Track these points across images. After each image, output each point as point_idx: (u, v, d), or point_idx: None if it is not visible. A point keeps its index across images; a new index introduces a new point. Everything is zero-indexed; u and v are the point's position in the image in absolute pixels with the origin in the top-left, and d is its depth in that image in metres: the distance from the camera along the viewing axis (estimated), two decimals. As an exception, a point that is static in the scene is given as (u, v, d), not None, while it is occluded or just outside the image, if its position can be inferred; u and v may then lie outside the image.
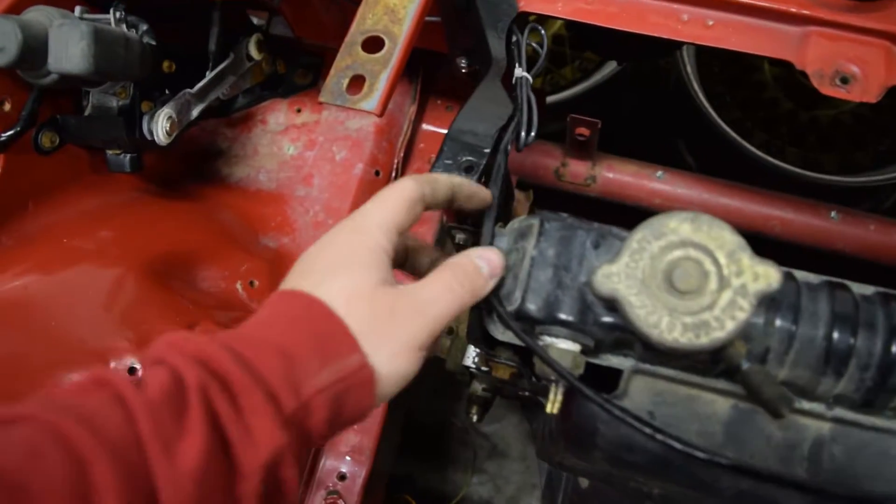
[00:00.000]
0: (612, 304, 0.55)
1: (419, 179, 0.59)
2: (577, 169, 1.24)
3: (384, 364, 0.52)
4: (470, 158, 0.68)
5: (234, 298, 1.10)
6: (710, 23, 0.82)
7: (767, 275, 0.52)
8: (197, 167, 1.22)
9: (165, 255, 1.04)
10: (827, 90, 0.77)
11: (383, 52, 0.75)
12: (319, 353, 0.50)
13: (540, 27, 0.83)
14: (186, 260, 1.07)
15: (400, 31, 0.76)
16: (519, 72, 0.79)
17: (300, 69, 1.25)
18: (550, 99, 1.71)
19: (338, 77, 0.74)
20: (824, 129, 1.70)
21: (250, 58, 1.14)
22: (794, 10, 0.79)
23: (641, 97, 1.81)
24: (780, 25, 0.81)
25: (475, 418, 1.03)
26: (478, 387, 0.98)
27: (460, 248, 0.77)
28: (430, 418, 1.83)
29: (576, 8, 0.84)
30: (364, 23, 0.77)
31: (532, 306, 0.59)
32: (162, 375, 0.47)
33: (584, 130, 1.13)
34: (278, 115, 1.24)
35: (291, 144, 1.21)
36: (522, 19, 0.84)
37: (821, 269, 1.29)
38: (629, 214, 1.31)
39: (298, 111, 1.24)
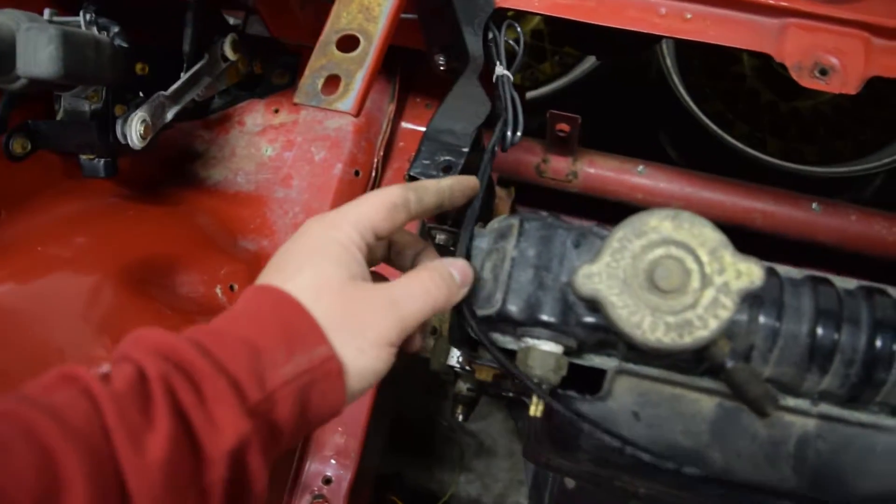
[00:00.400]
0: (593, 305, 0.54)
1: (407, 186, 0.59)
2: (559, 165, 1.23)
3: (352, 358, 0.52)
4: (448, 158, 0.67)
5: (214, 303, 1.08)
6: (688, 16, 0.81)
7: (750, 272, 0.51)
8: (174, 170, 1.20)
9: (143, 261, 1.03)
10: (806, 82, 0.77)
11: (358, 51, 0.74)
12: (286, 345, 0.50)
13: (516, 24, 0.82)
14: (164, 265, 1.05)
15: (375, 30, 0.75)
16: (500, 70, 0.78)
17: (277, 69, 1.24)
18: (530, 94, 1.70)
19: (312, 77, 0.73)
20: (805, 120, 1.71)
21: (226, 58, 1.12)
22: (772, 1, 0.79)
23: (622, 91, 1.81)
24: (758, 17, 0.80)
25: (461, 417, 1.03)
26: (463, 386, 0.98)
27: (441, 248, 0.76)
28: (416, 416, 1.83)
29: (553, 3, 0.83)
30: (338, 21, 0.76)
31: (513, 308, 0.58)
32: (126, 369, 0.47)
33: (564, 126, 1.12)
34: (256, 116, 1.23)
35: (269, 145, 1.20)
36: (500, 15, 0.83)
37: (804, 260, 1.29)
38: (612, 208, 1.31)
39: (276, 111, 1.23)
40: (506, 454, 1.83)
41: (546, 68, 1.81)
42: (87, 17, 0.90)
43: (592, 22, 0.81)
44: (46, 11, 0.90)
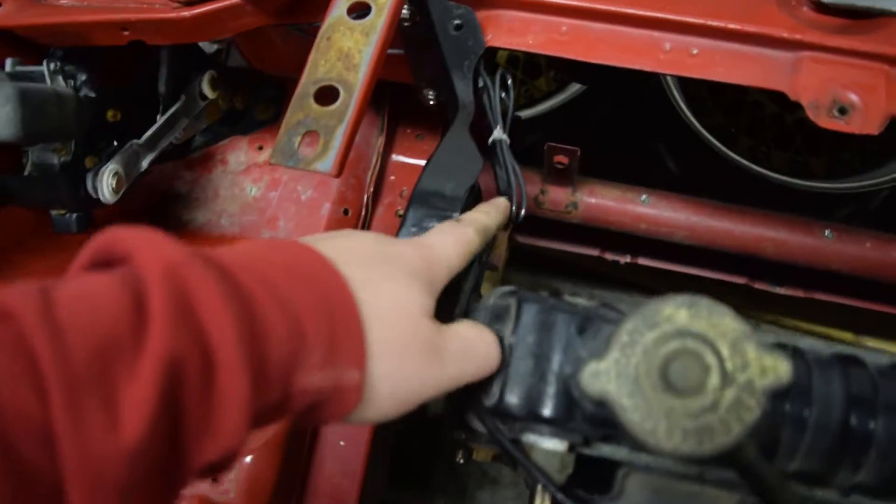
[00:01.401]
0: (601, 404, 0.48)
1: (475, 228, 0.59)
2: (557, 196, 1.18)
3: (375, 398, 0.46)
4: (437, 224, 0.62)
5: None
6: (695, 51, 0.76)
7: (776, 367, 0.46)
8: (155, 214, 1.14)
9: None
10: (824, 122, 0.71)
11: (338, 103, 0.68)
12: (328, 349, 0.44)
13: (509, 76, 0.76)
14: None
15: (356, 80, 0.69)
16: (497, 132, 0.72)
17: (260, 103, 1.18)
18: (526, 113, 1.64)
19: (289, 135, 0.67)
20: (810, 132, 1.65)
21: (204, 96, 1.06)
22: (784, 34, 0.73)
23: (620, 105, 1.75)
24: (769, 51, 0.75)
25: (461, 461, 0.97)
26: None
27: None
28: (417, 446, 1.77)
29: (548, 39, 0.78)
30: (316, 71, 0.70)
31: (512, 402, 0.52)
32: (112, 298, 0.37)
33: (562, 158, 1.06)
34: (239, 154, 1.17)
35: (254, 185, 1.14)
36: (491, 56, 0.78)
37: (815, 284, 1.24)
38: (616, 234, 1.26)
39: (260, 148, 1.17)
40: (511, 483, 1.78)
41: (541, 84, 1.75)
42: (52, 66, 0.84)
43: (593, 61, 0.76)
44: (8, 62, 0.84)
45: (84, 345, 0.34)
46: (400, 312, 0.47)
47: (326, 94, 0.69)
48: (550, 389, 0.51)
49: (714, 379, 0.46)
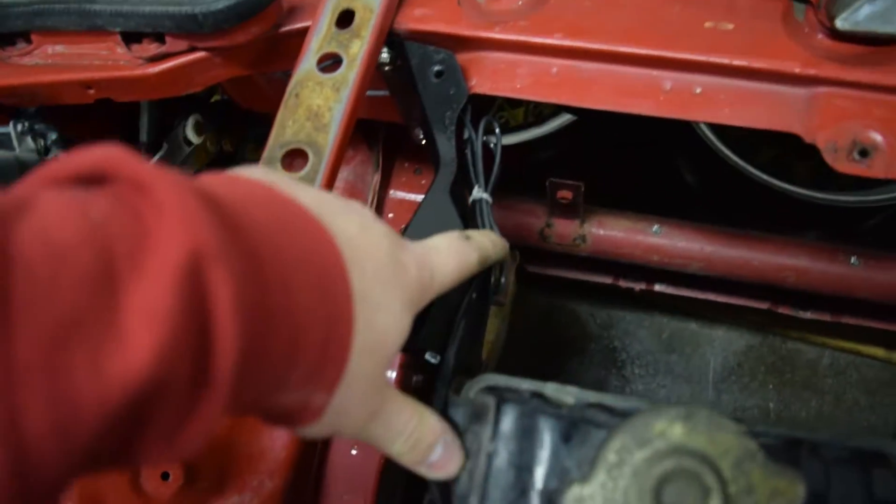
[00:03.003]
0: (590, 532, 0.43)
1: (476, 247, 0.55)
2: (565, 229, 1.12)
3: (324, 421, 0.43)
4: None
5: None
6: (698, 90, 0.69)
7: (789, 490, 0.40)
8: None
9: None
10: (843, 167, 0.64)
11: (307, 169, 0.63)
12: (310, 372, 0.40)
13: (495, 122, 0.70)
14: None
15: (326, 141, 0.64)
16: (477, 192, 0.66)
17: (251, 144, 1.13)
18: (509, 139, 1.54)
19: (255, 205, 0.62)
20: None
21: (189, 142, 1.02)
22: (796, 69, 0.66)
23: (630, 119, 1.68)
24: (781, 88, 0.68)
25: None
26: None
27: (417, 392, 0.65)
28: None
29: (537, 83, 0.72)
30: (284, 133, 0.65)
31: (492, 519, 0.47)
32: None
33: (566, 194, 1.00)
34: (230, 197, 1.12)
35: (245, 230, 1.09)
36: (476, 105, 0.72)
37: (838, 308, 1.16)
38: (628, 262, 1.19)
39: (251, 190, 1.12)
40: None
41: (518, 115, 1.63)
42: (20, 127, 0.80)
43: (587, 107, 0.70)
44: (-29, 126, 0.81)
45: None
46: (383, 348, 0.45)
47: (295, 158, 0.65)
48: (533, 506, 0.46)
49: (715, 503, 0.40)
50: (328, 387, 0.41)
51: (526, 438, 0.47)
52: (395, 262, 0.46)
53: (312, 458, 1.00)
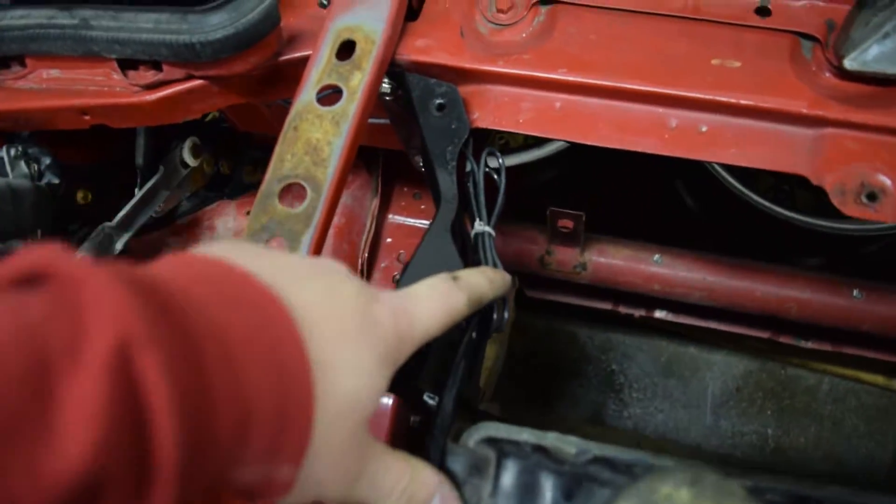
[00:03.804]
0: None
1: (468, 289, 0.53)
2: (565, 256, 1.10)
3: (297, 491, 0.42)
4: (412, 349, 0.55)
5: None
6: (704, 128, 0.68)
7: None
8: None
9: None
10: (851, 210, 0.63)
11: (305, 205, 0.62)
12: (267, 447, 0.39)
13: (498, 154, 0.69)
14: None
15: (325, 176, 0.63)
16: (479, 226, 0.65)
17: (247, 165, 1.12)
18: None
19: (252, 242, 0.61)
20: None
21: (186, 164, 1.01)
22: (803, 110, 0.65)
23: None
24: (787, 128, 0.67)
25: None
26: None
27: (415, 433, 0.64)
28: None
29: (541, 118, 0.71)
30: (282, 166, 0.64)
31: (492, 584, 0.45)
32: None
33: (567, 223, 0.99)
34: (227, 220, 1.11)
35: (241, 254, 1.08)
36: (479, 140, 0.71)
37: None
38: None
39: (248, 213, 1.11)
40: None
41: (518, 136, 1.63)
42: (13, 151, 0.79)
43: (590, 143, 0.69)
44: (-35, 151, 0.79)
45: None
46: (355, 410, 0.43)
47: (292, 194, 0.63)
48: (535, 569, 0.44)
49: (725, 579, 0.38)
50: (293, 459, 0.40)
51: (527, 495, 0.46)
52: (364, 318, 0.45)
53: None
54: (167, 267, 0.40)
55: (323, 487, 0.43)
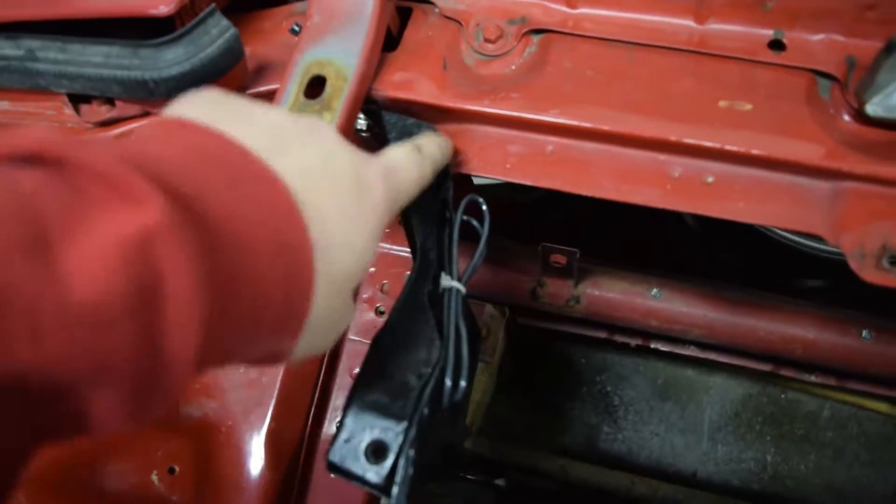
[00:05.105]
0: None
1: (422, 157, 0.56)
2: (558, 290, 1.04)
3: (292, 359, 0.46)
4: (379, 439, 0.49)
5: (150, 493, 0.91)
6: (710, 179, 0.62)
7: None
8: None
9: (59, 456, 0.86)
10: (870, 276, 0.57)
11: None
12: (273, 330, 0.41)
13: (481, 200, 0.62)
14: (85, 457, 0.88)
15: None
16: (446, 281, 0.58)
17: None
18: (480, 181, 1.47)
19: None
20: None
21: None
22: (821, 162, 0.59)
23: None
24: (802, 180, 0.61)
25: None
26: None
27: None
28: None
29: (530, 163, 0.64)
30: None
31: None
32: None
33: (560, 259, 0.93)
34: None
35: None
36: (461, 184, 0.64)
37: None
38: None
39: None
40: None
41: None
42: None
43: (584, 193, 0.62)
44: None
45: None
46: (347, 284, 0.46)
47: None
48: None
49: None
50: (293, 335, 0.42)
51: None
52: (360, 188, 0.46)
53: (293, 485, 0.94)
54: (160, 141, 0.39)
55: (312, 348, 0.45)
